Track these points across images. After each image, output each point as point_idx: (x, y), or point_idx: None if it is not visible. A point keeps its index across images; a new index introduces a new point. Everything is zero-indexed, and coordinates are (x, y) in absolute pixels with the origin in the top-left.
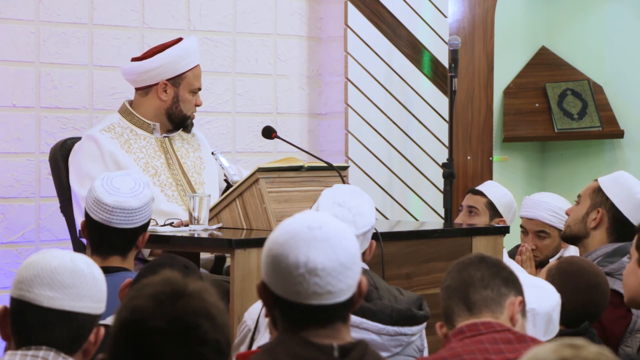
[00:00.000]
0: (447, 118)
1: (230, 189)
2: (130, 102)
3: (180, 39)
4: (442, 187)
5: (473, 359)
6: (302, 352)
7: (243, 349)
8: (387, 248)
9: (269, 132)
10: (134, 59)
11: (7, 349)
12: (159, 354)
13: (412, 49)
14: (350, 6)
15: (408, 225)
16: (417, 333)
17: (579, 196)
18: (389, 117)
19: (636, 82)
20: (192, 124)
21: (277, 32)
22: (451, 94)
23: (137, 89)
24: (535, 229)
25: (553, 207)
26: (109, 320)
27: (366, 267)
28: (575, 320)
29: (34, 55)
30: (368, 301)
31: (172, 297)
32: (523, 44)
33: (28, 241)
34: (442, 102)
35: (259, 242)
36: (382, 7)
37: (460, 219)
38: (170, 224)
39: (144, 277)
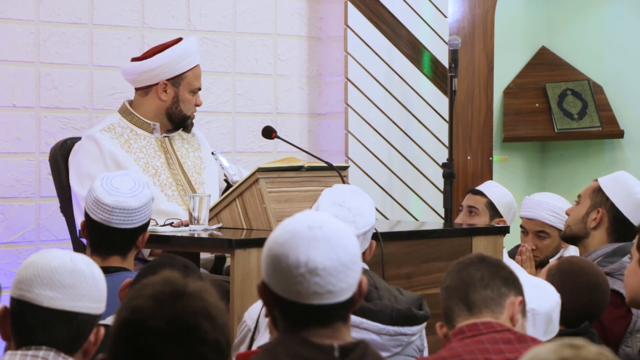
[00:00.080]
0: (447, 118)
1: (230, 189)
2: (130, 102)
3: (180, 39)
4: (442, 187)
5: (473, 359)
6: (303, 352)
7: (243, 349)
8: (387, 248)
9: (269, 132)
10: (134, 59)
11: (7, 349)
12: (159, 354)
13: (412, 49)
14: (350, 6)
15: (408, 225)
16: (417, 333)
17: (579, 196)
18: (389, 117)
19: (636, 82)
20: (192, 124)
21: (277, 32)
22: (451, 94)
23: (137, 89)
24: (535, 229)
25: (553, 207)
26: (109, 320)
27: (366, 267)
28: (575, 320)
29: (34, 55)
30: (368, 301)
31: (172, 297)
32: (523, 44)
33: (28, 241)
34: (442, 102)
35: (259, 242)
36: (382, 7)
37: (460, 219)
38: (170, 224)
39: (144, 277)
